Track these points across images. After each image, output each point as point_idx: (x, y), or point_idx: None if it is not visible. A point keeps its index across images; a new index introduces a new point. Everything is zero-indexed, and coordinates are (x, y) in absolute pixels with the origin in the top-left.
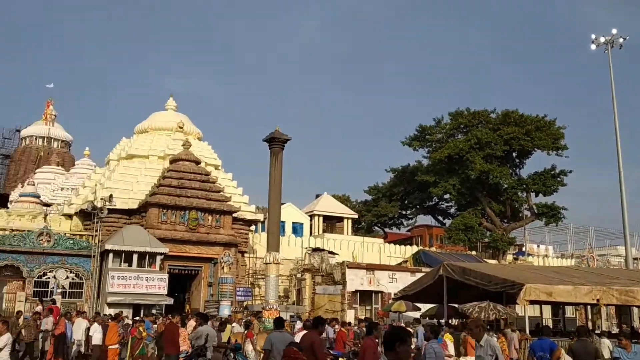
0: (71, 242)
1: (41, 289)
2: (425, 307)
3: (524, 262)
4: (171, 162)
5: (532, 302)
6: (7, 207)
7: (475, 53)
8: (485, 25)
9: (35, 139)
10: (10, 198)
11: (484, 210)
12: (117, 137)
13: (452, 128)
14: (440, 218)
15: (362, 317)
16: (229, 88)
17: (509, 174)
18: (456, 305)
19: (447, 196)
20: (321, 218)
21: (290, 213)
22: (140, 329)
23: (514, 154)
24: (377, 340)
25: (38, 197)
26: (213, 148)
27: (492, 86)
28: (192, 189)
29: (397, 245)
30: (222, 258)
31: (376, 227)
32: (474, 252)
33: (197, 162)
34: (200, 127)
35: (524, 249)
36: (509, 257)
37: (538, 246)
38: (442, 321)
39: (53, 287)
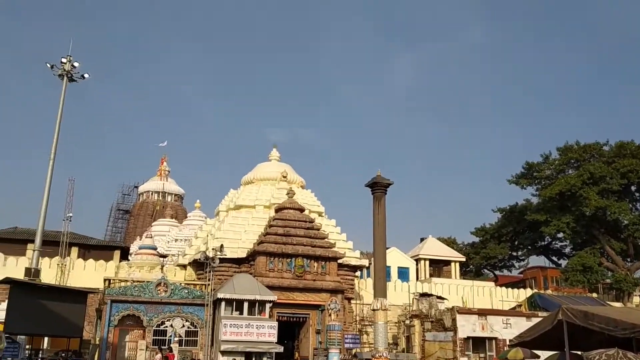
0: (186, 291)
1: (160, 338)
2: (544, 354)
3: None
4: (276, 210)
5: None
6: (128, 259)
7: (580, 83)
8: (591, 50)
9: (151, 194)
10: (131, 250)
11: (603, 248)
12: (225, 188)
13: (561, 163)
14: (554, 258)
15: None
16: (329, 135)
17: (628, 209)
18: (579, 353)
19: (560, 235)
20: (427, 262)
21: (395, 258)
22: None
23: (633, 188)
24: None
25: (155, 249)
26: (316, 195)
27: (602, 118)
28: (297, 236)
29: (509, 289)
30: (329, 305)
31: (485, 270)
32: (594, 295)
33: (302, 210)
34: (303, 175)
35: None
36: (636, 299)
37: None
38: None
39: (171, 336)
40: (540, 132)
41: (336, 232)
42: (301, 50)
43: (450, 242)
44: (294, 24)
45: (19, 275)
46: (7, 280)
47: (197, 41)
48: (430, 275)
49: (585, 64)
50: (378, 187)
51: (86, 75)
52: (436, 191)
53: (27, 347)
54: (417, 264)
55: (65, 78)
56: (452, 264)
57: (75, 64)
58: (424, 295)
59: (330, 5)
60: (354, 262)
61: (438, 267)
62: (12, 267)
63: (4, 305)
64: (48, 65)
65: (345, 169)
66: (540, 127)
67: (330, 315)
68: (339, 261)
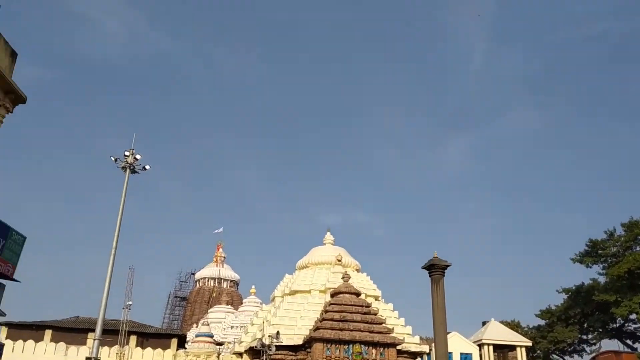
0: None
1: None
2: None
3: None
4: (332, 295)
5: None
6: (185, 347)
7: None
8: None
9: (207, 280)
10: (187, 338)
11: None
12: (280, 273)
13: (627, 240)
14: (629, 342)
15: None
16: (383, 218)
17: None
18: None
19: (633, 316)
20: (491, 347)
21: (457, 343)
22: None
23: None
24: None
25: (211, 336)
26: (372, 278)
27: None
28: (354, 321)
29: None
30: None
31: (554, 355)
32: None
33: (358, 294)
34: (357, 258)
35: None
36: None
37: None
38: None
39: None
40: (603, 208)
41: (394, 316)
42: (354, 135)
43: (514, 326)
44: (346, 108)
45: None
46: None
47: (246, 127)
48: None
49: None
50: (436, 269)
51: (147, 167)
52: (496, 272)
53: None
54: (480, 350)
55: (127, 170)
56: (518, 349)
57: (137, 157)
58: None
59: (383, 90)
60: (413, 348)
61: (502, 352)
62: (73, 356)
63: None
64: (112, 158)
65: (401, 250)
66: (603, 203)
67: None
68: (398, 347)
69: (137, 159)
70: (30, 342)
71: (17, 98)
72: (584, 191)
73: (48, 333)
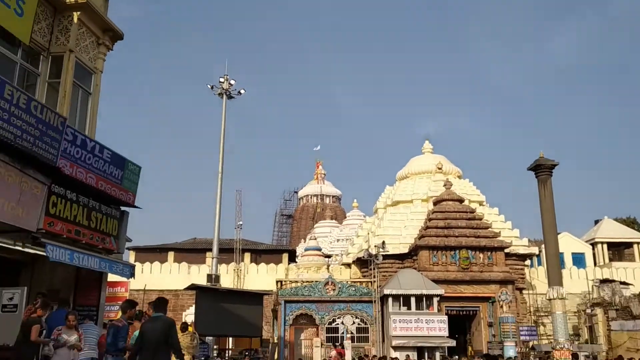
0: (353, 289)
1: (332, 335)
2: None
3: None
4: (434, 203)
5: None
6: (295, 261)
7: None
8: None
9: (310, 197)
10: (297, 253)
11: None
12: (380, 185)
13: None
14: None
15: None
16: (483, 121)
17: None
18: None
19: None
20: (605, 245)
21: (568, 243)
22: None
23: None
24: None
25: (319, 250)
26: (475, 184)
27: None
28: (458, 227)
29: None
30: (500, 296)
31: None
32: None
33: (461, 201)
34: (458, 165)
35: None
36: None
37: None
38: None
39: (343, 333)
40: None
41: (500, 220)
42: (448, 39)
43: (630, 222)
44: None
45: (202, 281)
46: (193, 287)
47: (342, 41)
48: (610, 260)
49: None
50: (542, 169)
51: (242, 91)
52: (609, 168)
53: (215, 347)
54: (593, 249)
55: (224, 96)
56: (635, 246)
57: (232, 82)
58: (604, 281)
59: None
60: (522, 250)
61: (618, 250)
62: (195, 274)
63: (192, 309)
64: (208, 86)
65: (504, 154)
66: None
67: (501, 307)
68: (506, 250)
69: (231, 85)
70: (157, 263)
71: (115, 35)
72: None
73: (171, 255)
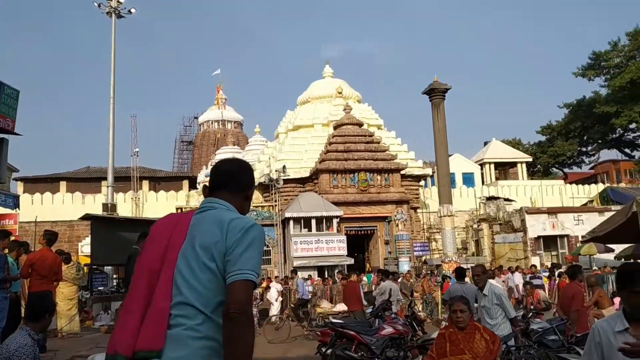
0: (255, 214)
1: None
2: (619, 247)
3: None
4: (335, 127)
5: None
6: (197, 188)
7: None
8: None
9: (211, 123)
10: (198, 179)
11: None
12: (283, 110)
13: (632, 49)
14: (627, 151)
15: (549, 263)
16: (388, 47)
17: None
18: None
19: (632, 126)
20: (492, 165)
21: (459, 164)
22: None
23: None
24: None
25: None
26: (373, 108)
27: None
28: (358, 151)
29: (580, 185)
30: (396, 216)
31: (554, 169)
32: None
33: (360, 125)
34: (359, 89)
35: None
36: None
37: None
38: None
39: None
40: (608, 18)
41: (397, 143)
42: None
43: (516, 144)
44: None
45: (98, 211)
46: (87, 217)
47: None
48: (496, 179)
49: None
50: (435, 93)
51: (133, 10)
52: (497, 93)
53: (114, 276)
54: (481, 169)
55: (113, 15)
56: (519, 165)
57: (121, 0)
58: (490, 198)
59: None
60: (417, 172)
61: (504, 169)
62: (91, 204)
63: (89, 240)
64: (95, 4)
65: (402, 79)
66: (607, 12)
67: (397, 225)
68: (402, 172)
69: (120, 2)
70: (47, 194)
71: None
72: (589, 2)
73: (63, 184)
